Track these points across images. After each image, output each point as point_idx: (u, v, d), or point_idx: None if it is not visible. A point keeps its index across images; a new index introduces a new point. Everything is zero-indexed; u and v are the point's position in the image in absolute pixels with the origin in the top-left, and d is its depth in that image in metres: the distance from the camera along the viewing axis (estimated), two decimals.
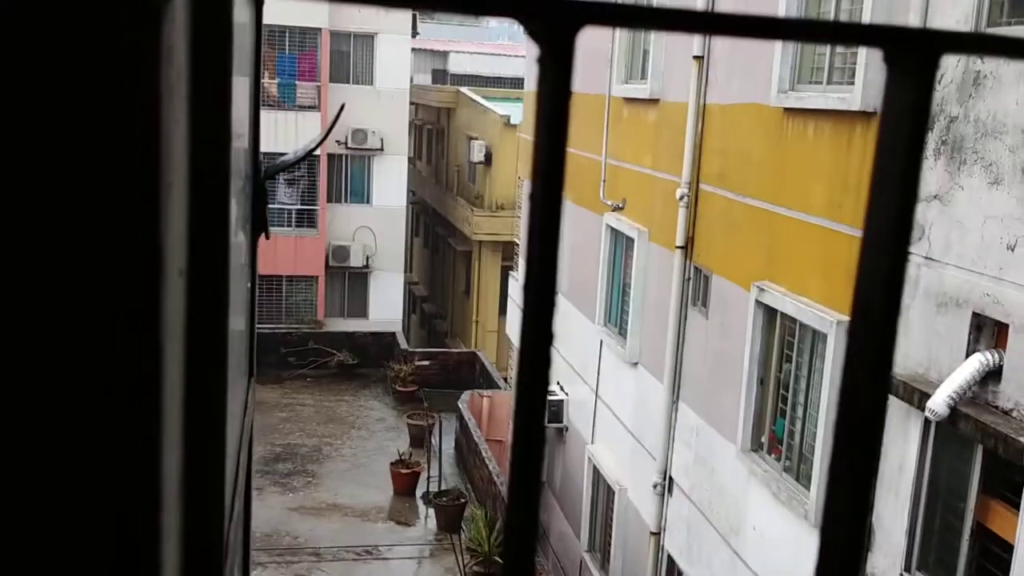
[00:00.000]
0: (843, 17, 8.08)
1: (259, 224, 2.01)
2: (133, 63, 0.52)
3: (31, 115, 0.51)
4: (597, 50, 13.49)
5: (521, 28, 0.42)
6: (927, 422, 6.60)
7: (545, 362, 0.42)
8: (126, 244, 0.54)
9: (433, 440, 18.66)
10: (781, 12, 8.63)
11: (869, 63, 7.37)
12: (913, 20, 6.86)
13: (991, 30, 6.29)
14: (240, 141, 1.62)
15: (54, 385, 0.55)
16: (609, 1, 0.40)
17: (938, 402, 6.19)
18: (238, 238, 1.55)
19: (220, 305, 0.89)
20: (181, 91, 0.65)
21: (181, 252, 0.69)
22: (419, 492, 18.07)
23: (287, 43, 25.26)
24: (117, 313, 0.55)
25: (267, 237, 2.05)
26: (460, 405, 19.55)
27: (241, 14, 1.68)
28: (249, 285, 1.98)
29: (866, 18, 7.43)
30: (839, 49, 8.16)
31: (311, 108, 25.14)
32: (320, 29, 25.18)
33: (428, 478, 17.87)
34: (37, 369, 0.54)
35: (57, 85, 0.51)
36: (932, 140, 6.71)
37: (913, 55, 0.44)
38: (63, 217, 0.53)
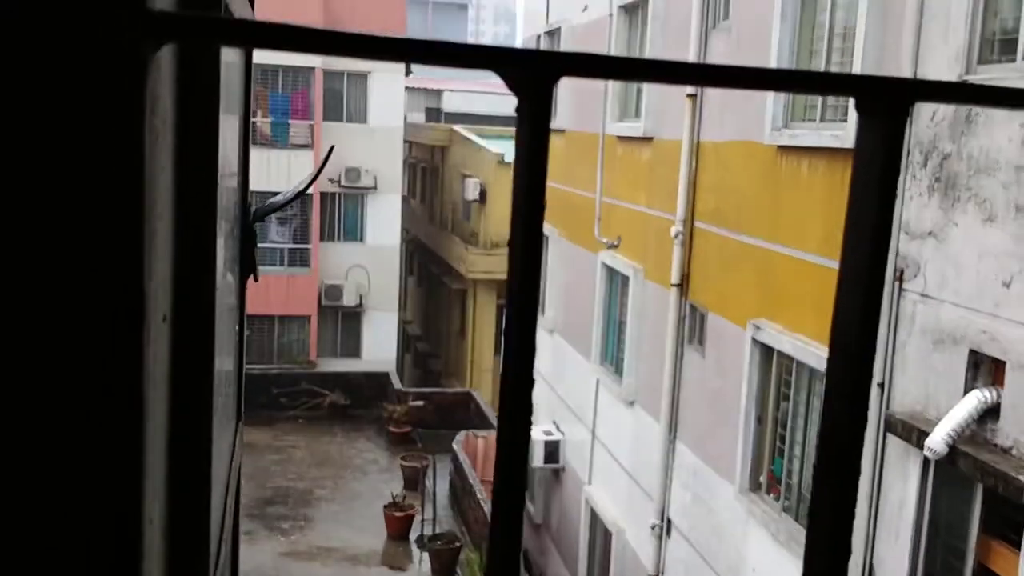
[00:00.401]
0: (835, 56, 8.12)
1: (248, 266, 1.97)
2: (117, 113, 0.52)
3: (16, 162, 0.52)
4: (591, 88, 13.56)
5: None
6: (926, 460, 6.53)
7: (527, 386, 0.44)
8: (108, 291, 0.54)
9: (427, 482, 18.48)
10: (773, 54, 8.68)
11: None
12: (905, 59, 6.89)
13: (982, 68, 6.32)
14: (229, 182, 1.59)
15: (35, 429, 0.55)
16: (583, 52, 0.39)
17: (937, 440, 6.13)
18: (226, 280, 1.51)
19: (206, 351, 0.88)
20: (167, 138, 0.64)
21: (166, 298, 0.68)
22: (413, 535, 17.85)
23: (280, 82, 25.41)
24: (99, 360, 0.55)
25: (255, 279, 2.01)
26: (455, 446, 19.39)
27: (230, 54, 1.65)
28: (237, 327, 1.93)
29: (857, 57, 7.47)
30: None
31: (304, 147, 25.23)
32: (313, 68, 25.35)
33: (422, 521, 17.67)
34: (19, 411, 0.55)
35: (42, 133, 0.52)
36: (926, 177, 6.71)
37: (884, 104, 0.44)
38: (46, 264, 0.53)
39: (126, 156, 0.52)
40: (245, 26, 0.40)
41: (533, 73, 0.38)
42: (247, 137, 2.02)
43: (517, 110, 0.39)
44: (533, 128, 0.38)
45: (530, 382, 0.43)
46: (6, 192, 0.51)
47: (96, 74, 0.50)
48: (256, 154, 24.36)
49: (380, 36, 0.40)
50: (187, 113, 0.76)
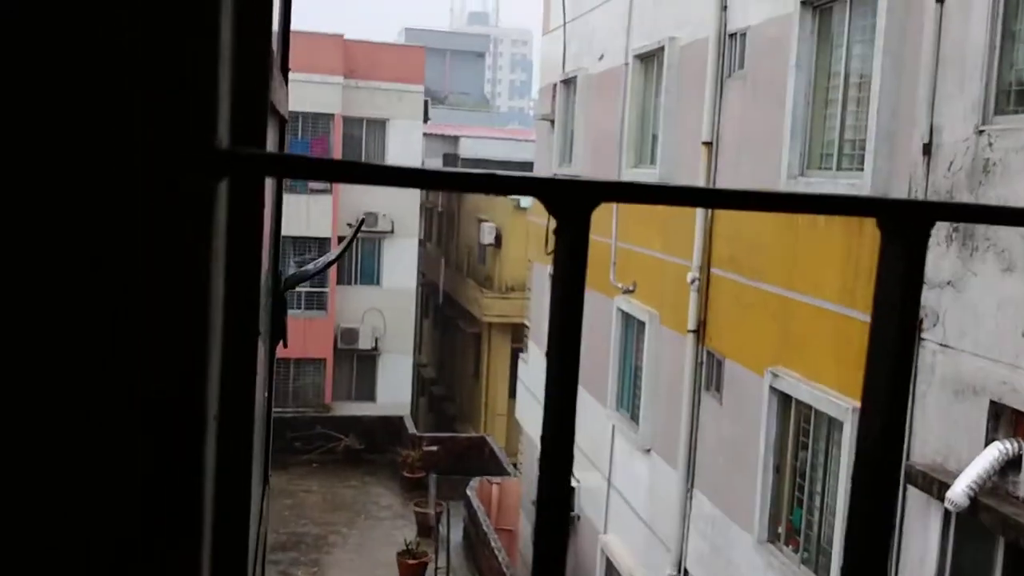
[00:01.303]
0: (851, 105, 8.15)
1: (278, 332, 1.99)
2: (187, 244, 0.56)
3: (101, 287, 0.56)
4: (606, 134, 13.66)
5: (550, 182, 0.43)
6: (947, 513, 6.44)
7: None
8: (174, 393, 0.58)
9: (441, 529, 18.33)
10: (788, 104, 8.72)
11: (879, 150, 7.41)
12: (921, 109, 6.90)
13: (999, 119, 6.32)
14: (264, 259, 1.62)
15: (102, 535, 0.58)
16: (619, 181, 0.41)
17: (958, 492, 6.04)
18: (260, 351, 1.54)
19: (246, 447, 0.91)
20: (220, 253, 0.68)
21: (215, 399, 0.71)
22: None
23: (300, 128, 25.72)
24: (163, 460, 0.59)
25: (285, 345, 2.03)
26: (469, 492, 19.25)
27: (268, 136, 1.69)
28: (267, 393, 1.94)
29: (872, 106, 7.49)
30: (848, 135, 8.22)
31: (323, 192, 25.45)
32: (333, 115, 25.65)
33: (436, 569, 17.49)
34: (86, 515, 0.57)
35: (120, 270, 0.56)
36: (944, 226, 6.69)
37: (904, 226, 0.46)
38: (121, 378, 0.57)
39: (193, 286, 0.57)
40: (296, 161, 0.42)
41: (573, 201, 0.40)
42: (279, 204, 2.06)
43: (556, 232, 0.41)
44: (571, 250, 0.40)
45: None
46: (95, 309, 0.55)
47: (168, 209, 0.54)
48: None
49: (426, 169, 0.42)
50: (235, 237, 0.81)
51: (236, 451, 0.88)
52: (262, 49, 1.00)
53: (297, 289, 25.93)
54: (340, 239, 25.94)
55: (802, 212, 0.45)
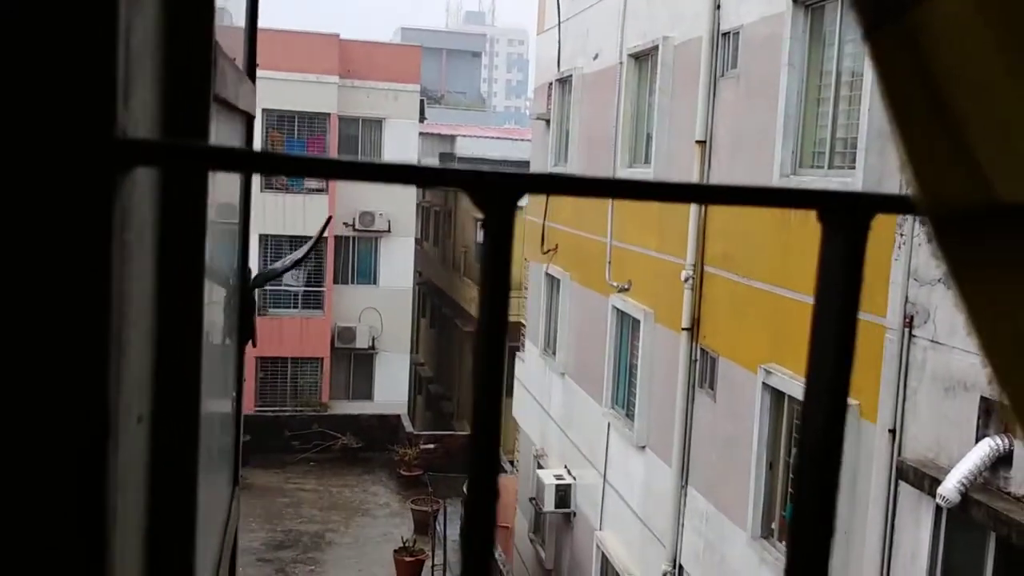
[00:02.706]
0: (843, 103, 8.19)
1: (246, 332, 2.01)
2: (83, 232, 0.53)
3: None
4: (601, 133, 13.69)
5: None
6: (939, 509, 6.48)
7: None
8: (72, 394, 0.54)
9: (438, 526, 18.36)
10: (781, 102, 8.76)
11: (870, 147, 7.46)
12: None
13: None
14: (229, 249, 1.63)
15: None
16: (542, 173, 0.43)
17: (949, 488, 6.09)
18: (225, 348, 1.55)
19: (187, 446, 0.89)
20: (144, 246, 0.66)
21: (142, 398, 0.69)
22: None
23: (296, 128, 25.71)
24: (62, 470, 0.55)
25: (254, 345, 2.05)
26: (465, 490, 19.22)
27: (229, 133, 1.70)
28: (235, 394, 1.97)
29: (864, 104, 7.53)
30: (840, 134, 8.27)
31: (319, 192, 25.45)
32: (329, 114, 25.64)
33: (432, 566, 17.53)
34: None
35: (9, 248, 0.53)
36: None
37: (845, 218, 0.47)
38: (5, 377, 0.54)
39: (90, 273, 0.54)
40: (208, 152, 0.43)
41: (496, 193, 0.42)
42: (248, 201, 2.08)
43: (482, 224, 0.44)
44: (496, 241, 0.42)
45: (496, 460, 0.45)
46: None
47: (66, 195, 0.51)
48: (272, 199, 24.63)
49: (352, 160, 0.42)
50: (171, 226, 0.77)
51: (177, 451, 0.86)
52: (202, 40, 0.96)
53: (293, 288, 25.96)
54: (337, 239, 25.96)
55: (740, 204, 0.47)
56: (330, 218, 3.96)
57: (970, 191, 0.43)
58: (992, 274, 0.44)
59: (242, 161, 0.42)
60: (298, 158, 0.41)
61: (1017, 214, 0.42)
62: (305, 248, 3.20)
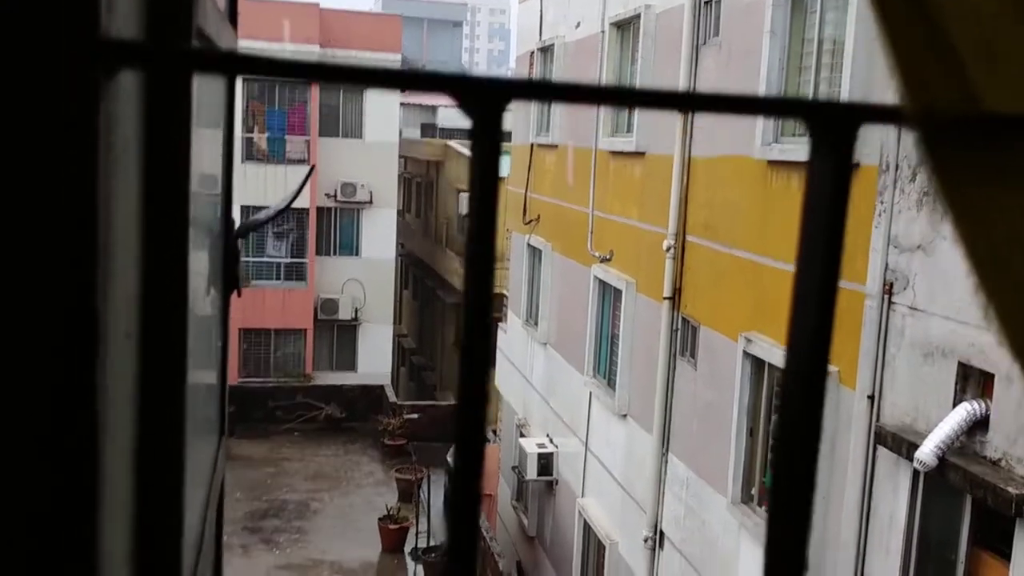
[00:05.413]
0: (824, 71, 8.20)
1: (231, 281, 2.00)
2: (68, 134, 0.53)
3: None
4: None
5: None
6: (916, 473, 6.58)
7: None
8: (59, 308, 0.54)
9: (422, 495, 18.47)
10: (763, 70, 8.76)
11: None
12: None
13: None
14: (211, 198, 1.62)
15: None
16: (531, 79, 0.43)
17: (926, 452, 6.17)
18: (208, 295, 1.55)
19: (177, 366, 0.89)
20: (130, 155, 0.65)
21: (129, 313, 0.69)
22: (408, 548, 17.83)
23: (277, 98, 25.49)
24: (50, 380, 0.55)
25: (239, 294, 2.05)
26: (449, 459, 19.35)
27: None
28: (220, 343, 1.97)
29: (846, 72, 7.55)
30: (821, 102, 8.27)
31: (301, 162, 25.29)
32: (309, 84, 25.39)
33: (417, 533, 17.65)
34: None
35: None
36: (914, 191, 6.78)
37: (833, 128, 0.46)
38: None
39: (77, 176, 0.53)
40: (193, 55, 0.42)
41: (484, 99, 0.42)
42: (230, 153, 2.07)
43: (470, 133, 0.44)
44: (484, 150, 0.42)
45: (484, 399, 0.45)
46: None
47: (47, 96, 0.51)
48: (253, 169, 24.46)
49: (338, 64, 0.42)
50: (156, 137, 0.76)
51: (164, 366, 0.85)
52: None
53: (276, 260, 25.85)
54: (319, 210, 25.84)
55: (728, 112, 0.47)
56: (313, 167, 3.94)
57: (957, 100, 0.43)
58: (975, 184, 0.45)
59: (226, 63, 0.42)
60: (284, 61, 0.41)
61: (1001, 124, 0.43)
62: (290, 197, 3.19)
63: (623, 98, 0.44)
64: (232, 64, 0.41)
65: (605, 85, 0.44)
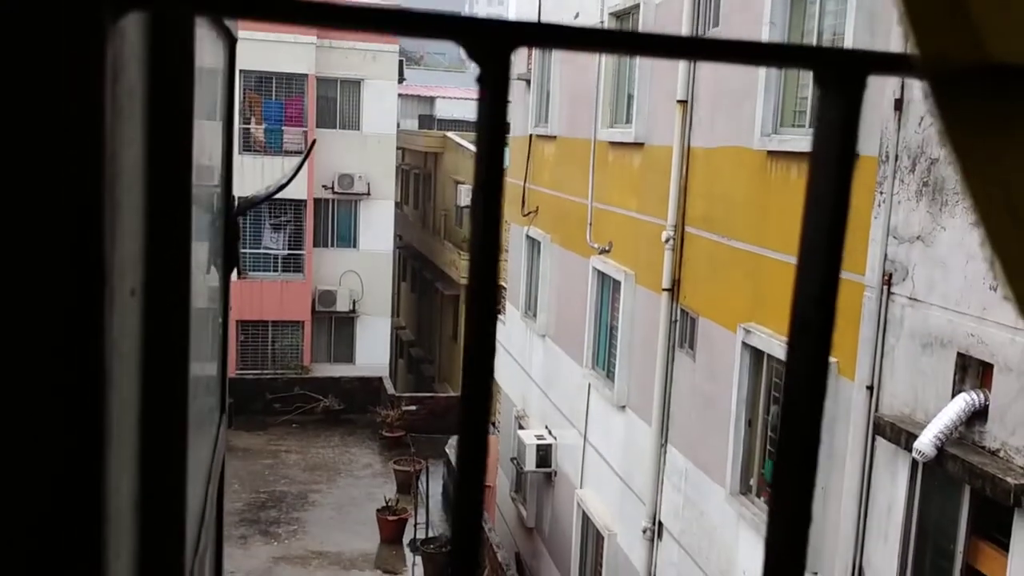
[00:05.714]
0: (827, 31, 8.17)
1: (231, 261, 2.00)
2: (74, 80, 0.52)
3: None
4: (583, 93, 13.62)
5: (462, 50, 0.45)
6: (915, 463, 6.58)
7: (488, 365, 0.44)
8: (66, 261, 0.53)
9: (420, 486, 18.49)
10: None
11: None
12: (896, 35, 6.94)
13: None
14: (212, 179, 1.62)
15: None
16: (539, 23, 0.43)
17: (925, 443, 6.17)
18: (210, 274, 1.54)
19: (181, 323, 0.88)
20: (134, 110, 0.64)
21: (135, 271, 0.68)
22: (406, 539, 17.86)
23: (274, 89, 25.43)
24: (57, 330, 0.54)
25: (239, 275, 2.05)
26: (447, 450, 19.38)
27: (212, 56, 1.68)
28: (221, 320, 1.96)
29: (848, 32, 7.49)
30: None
31: (298, 153, 25.24)
32: (307, 75, 25.37)
33: (415, 525, 17.67)
34: None
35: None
36: (914, 181, 6.77)
37: (841, 75, 0.46)
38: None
39: (83, 122, 0.52)
40: None
41: (492, 43, 0.41)
42: (231, 136, 2.06)
43: (478, 79, 0.42)
44: (493, 96, 0.42)
45: (490, 369, 0.44)
46: None
47: (54, 40, 0.50)
48: (251, 161, 24.43)
49: (343, 5, 0.41)
50: (159, 89, 0.75)
51: (169, 321, 0.84)
52: None
53: (274, 252, 25.82)
54: (316, 201, 25.81)
55: (735, 61, 0.46)
56: (314, 142, 3.94)
57: (965, 50, 0.43)
58: (984, 134, 0.44)
59: (232, 4, 0.41)
60: (287, 2, 0.40)
61: (1011, 74, 0.43)
62: (290, 173, 3.19)
63: (631, 44, 0.44)
64: (234, 5, 0.41)
65: (613, 30, 0.42)
